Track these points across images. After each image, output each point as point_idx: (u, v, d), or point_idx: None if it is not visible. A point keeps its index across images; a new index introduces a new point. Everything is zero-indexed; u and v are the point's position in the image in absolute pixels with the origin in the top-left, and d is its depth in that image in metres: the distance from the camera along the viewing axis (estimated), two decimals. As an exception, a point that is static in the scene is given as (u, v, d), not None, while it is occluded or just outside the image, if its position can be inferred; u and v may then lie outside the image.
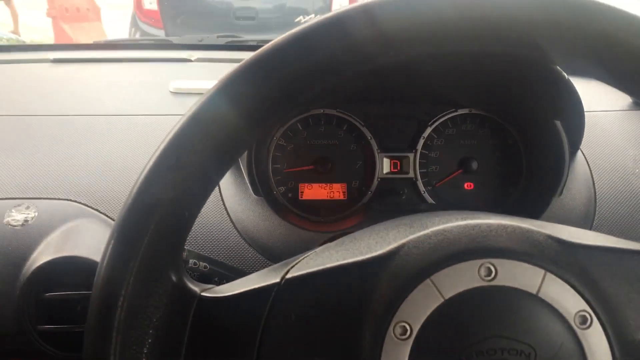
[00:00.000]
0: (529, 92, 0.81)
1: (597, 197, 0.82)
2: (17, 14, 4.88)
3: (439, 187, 0.92)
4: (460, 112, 0.91)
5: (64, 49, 1.27)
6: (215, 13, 4.41)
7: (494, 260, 0.42)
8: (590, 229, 0.79)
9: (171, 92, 0.98)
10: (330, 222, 0.89)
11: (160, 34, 4.27)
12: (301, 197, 0.91)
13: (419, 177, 0.91)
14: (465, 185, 0.92)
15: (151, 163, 0.41)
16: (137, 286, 0.41)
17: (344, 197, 0.91)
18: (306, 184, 0.91)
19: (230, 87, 0.41)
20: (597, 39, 0.39)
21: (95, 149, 0.83)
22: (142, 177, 0.41)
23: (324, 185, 0.91)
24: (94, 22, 6.18)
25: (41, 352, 0.68)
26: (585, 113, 0.82)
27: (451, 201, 0.91)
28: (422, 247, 0.43)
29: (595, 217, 0.80)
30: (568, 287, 0.41)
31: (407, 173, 0.91)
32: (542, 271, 0.41)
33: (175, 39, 1.34)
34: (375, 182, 0.90)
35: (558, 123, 0.81)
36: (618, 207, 0.81)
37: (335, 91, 0.86)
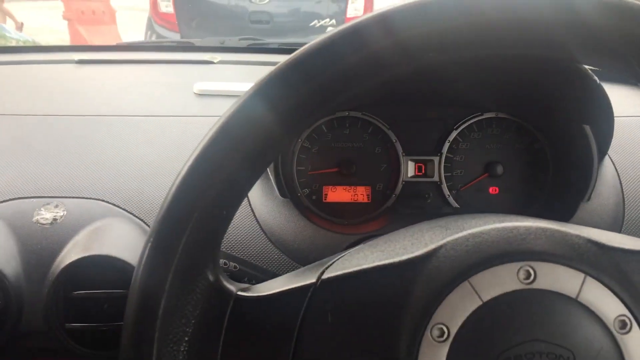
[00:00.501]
0: (558, 97, 0.81)
1: (626, 202, 0.81)
2: (9, 10, 4.90)
3: (464, 191, 0.91)
4: (486, 115, 0.90)
5: (87, 50, 1.28)
6: (231, 17, 4.44)
7: (533, 263, 0.41)
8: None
9: (195, 93, 0.99)
10: (354, 225, 0.89)
11: (176, 37, 4.31)
12: (325, 199, 0.91)
13: (443, 180, 0.90)
14: (490, 189, 0.91)
15: (188, 166, 0.41)
16: (176, 286, 0.41)
17: (368, 200, 0.91)
18: (330, 187, 0.91)
19: (266, 90, 0.41)
20: (627, 37, 0.39)
21: (123, 149, 0.84)
22: (180, 179, 0.41)
23: (348, 187, 0.91)
24: (110, 24, 6.24)
25: (69, 350, 0.68)
26: (617, 118, 0.81)
27: (476, 205, 0.91)
28: (460, 249, 0.43)
29: (624, 223, 0.80)
30: (608, 291, 0.41)
31: (432, 177, 0.90)
32: (582, 275, 0.41)
33: (196, 41, 1.35)
34: (400, 185, 0.90)
35: (587, 128, 0.80)
36: None
37: (364, 95, 0.86)
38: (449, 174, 0.91)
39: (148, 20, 4.50)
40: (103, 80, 1.07)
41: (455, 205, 0.90)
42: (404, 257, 0.44)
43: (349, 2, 4.53)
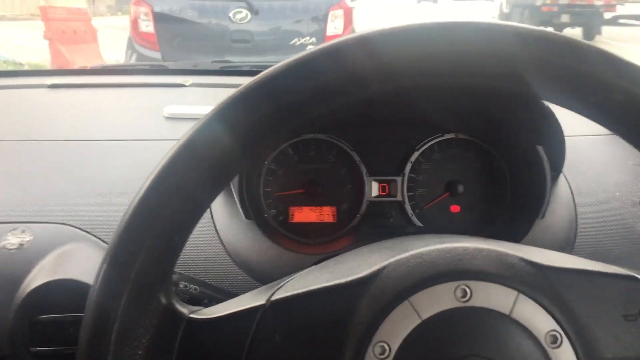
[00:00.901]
0: (511, 119, 0.84)
1: (579, 219, 0.84)
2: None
3: (427, 210, 0.94)
4: (446, 136, 0.93)
5: (60, 74, 1.29)
6: (212, 36, 4.46)
7: (469, 282, 0.44)
8: (571, 250, 0.81)
9: (165, 117, 1.01)
10: (320, 245, 0.90)
11: (156, 56, 4.31)
12: (291, 220, 0.93)
13: (406, 200, 0.93)
14: (452, 208, 0.94)
15: (144, 189, 0.43)
16: (128, 309, 0.42)
17: (334, 219, 0.93)
18: (297, 207, 0.93)
19: (225, 113, 0.42)
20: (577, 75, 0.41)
21: (91, 174, 0.85)
22: (135, 203, 0.43)
23: (314, 208, 0.93)
24: (91, 44, 6.25)
25: None
26: (567, 137, 0.84)
27: (438, 224, 0.93)
28: (401, 269, 0.45)
29: (577, 239, 0.82)
30: (539, 307, 0.43)
31: (395, 196, 0.93)
32: (515, 292, 0.44)
33: (170, 64, 1.37)
34: (364, 205, 0.92)
35: (540, 148, 0.83)
36: (599, 229, 0.83)
37: (326, 117, 0.88)
38: (412, 193, 0.94)
39: (128, 39, 4.51)
40: (74, 104, 1.08)
41: (419, 224, 0.93)
42: (350, 278, 0.46)
43: (329, 20, 4.57)
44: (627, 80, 0.42)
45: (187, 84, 1.19)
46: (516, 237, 0.83)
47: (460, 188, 0.92)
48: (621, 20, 13.07)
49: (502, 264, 0.45)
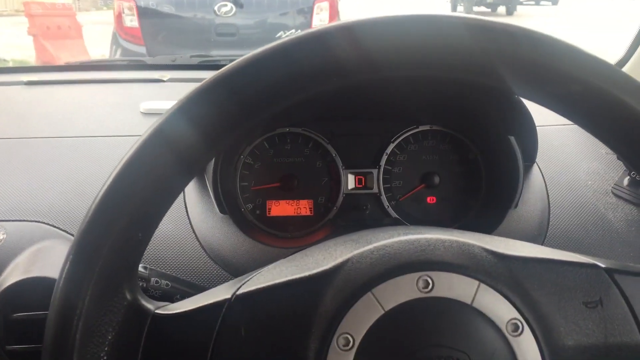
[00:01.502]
0: (483, 110, 0.85)
1: (552, 208, 0.85)
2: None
3: (403, 201, 0.94)
4: (421, 128, 0.94)
5: (37, 71, 1.29)
6: (197, 30, 4.43)
7: (431, 273, 0.44)
8: (544, 239, 0.82)
9: (142, 112, 1.01)
10: (297, 238, 0.91)
11: (141, 51, 4.28)
12: (269, 213, 0.93)
13: (382, 192, 0.93)
14: (428, 199, 0.95)
15: (106, 186, 0.43)
16: (92, 305, 0.43)
17: (311, 213, 0.94)
18: (273, 201, 0.93)
19: (189, 106, 0.42)
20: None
21: (65, 171, 0.85)
22: (98, 199, 0.43)
23: (290, 201, 0.94)
24: (76, 39, 6.19)
25: None
26: (541, 127, 0.85)
27: (414, 215, 0.94)
28: (365, 262, 0.46)
29: (549, 228, 0.83)
30: (500, 296, 0.44)
31: (372, 188, 0.93)
32: (476, 282, 0.44)
33: (148, 60, 1.37)
34: (341, 197, 0.93)
35: (512, 138, 0.84)
36: (570, 218, 0.84)
37: (300, 110, 0.88)
38: (388, 185, 0.94)
39: (113, 34, 4.47)
40: (51, 101, 1.08)
41: (395, 215, 0.93)
42: (313, 271, 0.46)
43: (314, 13, 4.56)
44: (584, 70, 0.43)
45: (164, 79, 1.19)
46: (490, 227, 0.84)
47: (436, 179, 0.93)
48: (525, 2, 17.88)
49: (464, 254, 0.45)
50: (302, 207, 0.94)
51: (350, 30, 0.42)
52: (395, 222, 0.92)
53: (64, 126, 0.96)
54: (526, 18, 14.70)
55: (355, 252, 0.47)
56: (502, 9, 15.56)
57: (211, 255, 0.78)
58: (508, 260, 0.46)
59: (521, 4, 17.09)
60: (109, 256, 0.42)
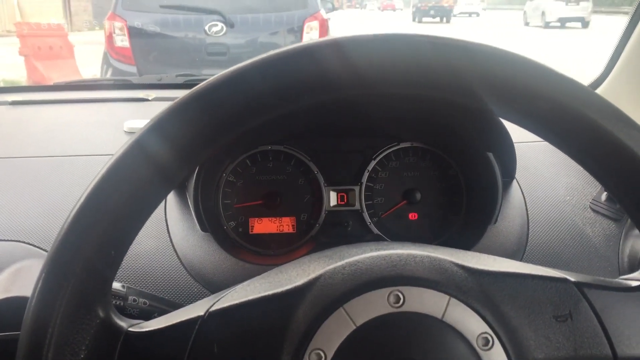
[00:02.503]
0: (462, 127, 0.86)
1: (530, 223, 0.86)
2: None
3: (385, 218, 0.95)
4: (402, 145, 0.95)
5: (23, 91, 1.29)
6: (187, 49, 4.45)
7: (402, 288, 0.45)
8: (523, 254, 0.83)
9: (125, 131, 1.01)
10: (279, 255, 0.91)
11: (132, 70, 4.30)
12: (251, 231, 0.93)
13: (364, 208, 0.94)
14: (410, 215, 0.95)
15: (78, 204, 0.43)
16: (65, 323, 0.43)
17: (293, 230, 0.94)
18: (256, 219, 0.94)
19: (161, 124, 0.43)
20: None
21: (47, 190, 0.85)
22: (70, 217, 0.43)
23: (273, 219, 0.94)
24: (68, 59, 6.21)
25: None
26: (521, 144, 0.86)
27: (397, 232, 0.94)
28: (337, 277, 0.46)
29: (528, 243, 0.84)
30: (471, 311, 0.44)
31: (354, 205, 0.94)
32: (447, 297, 0.44)
33: (134, 79, 1.38)
34: (323, 214, 0.93)
35: (490, 155, 0.85)
36: (549, 233, 0.85)
37: (282, 127, 0.89)
38: (370, 202, 0.95)
39: (104, 54, 4.49)
40: (35, 121, 1.08)
41: (377, 232, 0.94)
42: (287, 288, 0.46)
43: (304, 32, 4.60)
44: (550, 88, 0.44)
45: (150, 98, 1.20)
46: (470, 242, 0.84)
47: (418, 196, 0.94)
48: (457, 14, 26.09)
49: (435, 269, 0.46)
50: (284, 225, 0.94)
51: (324, 49, 0.43)
52: (377, 239, 0.93)
53: (47, 145, 0.96)
54: (459, 26, 21.11)
55: (328, 268, 0.47)
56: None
57: (192, 273, 0.78)
58: (479, 275, 0.46)
59: (455, 15, 25.30)
60: (81, 274, 0.42)
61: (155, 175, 0.43)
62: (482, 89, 0.44)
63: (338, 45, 0.43)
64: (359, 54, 0.43)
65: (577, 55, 9.80)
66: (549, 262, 0.81)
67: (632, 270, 0.79)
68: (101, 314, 0.45)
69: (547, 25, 18.20)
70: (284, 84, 0.43)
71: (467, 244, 0.84)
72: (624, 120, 0.45)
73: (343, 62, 0.43)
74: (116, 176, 0.43)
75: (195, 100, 0.43)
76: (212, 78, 0.43)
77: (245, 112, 0.43)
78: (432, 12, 22.88)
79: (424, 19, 23.25)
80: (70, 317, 0.43)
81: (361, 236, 0.94)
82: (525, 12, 20.17)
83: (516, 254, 0.83)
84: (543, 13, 18.27)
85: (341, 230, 0.94)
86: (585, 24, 18.03)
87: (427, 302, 0.44)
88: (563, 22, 18.33)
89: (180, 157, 0.43)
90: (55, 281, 0.42)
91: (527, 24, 19.79)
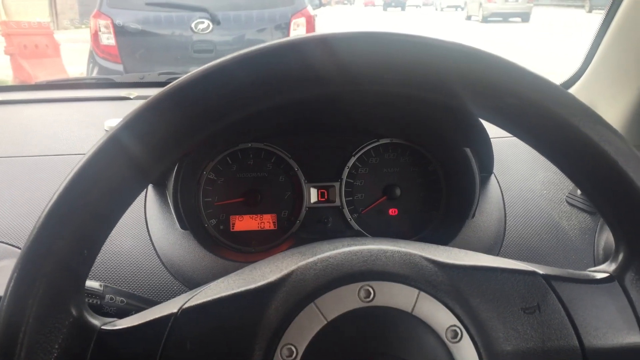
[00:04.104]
0: (439, 123, 0.87)
1: (508, 218, 0.87)
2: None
3: (365, 214, 0.96)
4: (382, 141, 0.95)
5: (3, 91, 1.29)
6: (174, 47, 4.43)
7: (372, 283, 0.45)
8: (500, 248, 0.84)
9: (106, 130, 1.01)
10: (260, 252, 0.92)
11: (119, 68, 4.27)
12: (233, 228, 0.94)
13: (344, 205, 0.94)
14: (390, 211, 0.96)
15: (50, 203, 0.43)
16: (37, 322, 0.43)
17: (274, 227, 0.95)
18: (237, 216, 0.94)
19: (134, 123, 0.43)
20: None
21: (26, 190, 0.85)
22: (42, 217, 0.43)
23: (254, 216, 0.94)
24: (54, 58, 6.16)
25: None
26: (499, 139, 0.87)
27: (377, 227, 0.95)
28: (308, 273, 0.46)
29: (505, 237, 0.85)
30: (440, 304, 0.45)
31: (334, 202, 0.94)
32: (416, 291, 0.45)
33: (116, 77, 1.37)
34: (304, 211, 0.94)
35: (467, 150, 0.86)
36: (526, 226, 0.86)
37: (262, 125, 0.90)
38: (350, 198, 0.95)
39: (90, 53, 4.46)
40: (14, 120, 1.08)
41: (357, 228, 0.94)
42: (259, 284, 0.47)
43: (291, 29, 4.59)
44: (518, 84, 0.45)
45: (131, 96, 1.20)
46: (449, 237, 0.85)
47: (398, 191, 0.95)
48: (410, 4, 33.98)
49: (405, 263, 0.47)
50: (265, 222, 0.95)
51: (301, 46, 0.43)
52: (357, 235, 0.94)
53: (27, 145, 0.96)
54: (410, 14, 26.27)
55: (300, 264, 0.47)
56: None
57: (171, 271, 0.79)
58: (448, 269, 0.47)
59: (409, 6, 34.09)
60: (53, 273, 0.43)
61: (129, 172, 0.44)
62: (456, 86, 0.44)
63: (320, 42, 0.44)
64: (323, 52, 0.43)
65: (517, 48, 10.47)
66: (525, 256, 0.82)
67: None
68: (74, 312, 0.45)
69: (485, 20, 19.22)
70: (256, 81, 0.43)
71: (446, 239, 0.85)
72: (590, 116, 0.46)
73: (322, 59, 0.44)
74: (89, 174, 0.43)
75: (169, 96, 0.43)
76: (187, 75, 0.43)
77: (219, 108, 0.43)
78: (393, 3, 33.14)
79: (388, 9, 32.70)
80: (42, 316, 0.43)
81: (342, 232, 0.94)
82: (467, 5, 21.95)
83: (493, 247, 0.84)
84: (480, 5, 19.37)
85: (322, 227, 0.94)
86: (526, 17, 18.95)
87: (397, 296, 0.45)
88: (504, 16, 19.32)
89: (154, 154, 0.44)
90: (27, 280, 0.42)
91: (468, 17, 21.01)
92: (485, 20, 19.15)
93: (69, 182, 0.43)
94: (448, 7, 30.91)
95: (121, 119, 0.44)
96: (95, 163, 0.43)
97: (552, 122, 0.45)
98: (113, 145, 0.43)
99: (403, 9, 33.11)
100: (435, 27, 17.36)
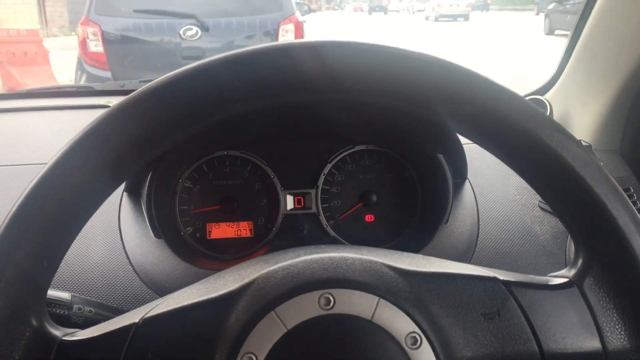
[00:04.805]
0: (414, 130, 0.87)
1: (481, 223, 0.87)
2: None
3: (341, 220, 0.96)
4: (357, 148, 0.96)
5: (-18, 100, 1.28)
6: (162, 54, 4.43)
7: (332, 291, 0.45)
8: (473, 253, 0.84)
9: None
10: (236, 260, 0.92)
11: (107, 75, 4.27)
12: (209, 236, 0.94)
13: (321, 211, 0.95)
14: (367, 217, 0.96)
15: (10, 213, 0.43)
16: None
17: (251, 234, 0.95)
18: (214, 224, 0.94)
19: (95, 132, 0.43)
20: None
21: (2, 200, 0.85)
22: (2, 227, 0.43)
23: (231, 224, 0.94)
24: (43, 65, 6.15)
25: None
26: (473, 145, 0.88)
27: (353, 234, 0.95)
28: (270, 282, 0.47)
29: (479, 242, 0.86)
30: (399, 311, 0.45)
31: (310, 208, 0.95)
32: (376, 298, 0.45)
33: (97, 86, 1.37)
34: (280, 218, 0.94)
35: (440, 157, 0.86)
36: (499, 231, 0.87)
37: (238, 133, 0.90)
38: (327, 205, 0.96)
39: (78, 60, 4.45)
40: None
41: (334, 234, 0.95)
42: (220, 293, 0.47)
43: (280, 35, 4.60)
44: (473, 91, 0.45)
45: (111, 104, 1.19)
46: (424, 242, 0.86)
47: (374, 198, 0.95)
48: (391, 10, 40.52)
49: (365, 271, 0.47)
50: (242, 229, 0.95)
51: (275, 53, 0.44)
52: (333, 241, 0.94)
53: (4, 154, 0.95)
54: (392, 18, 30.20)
55: (262, 272, 0.48)
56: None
57: (145, 280, 0.78)
58: (409, 276, 0.47)
59: (390, 11, 40.62)
60: (13, 283, 0.43)
61: (89, 183, 0.44)
62: (425, 95, 0.45)
63: (294, 49, 0.44)
64: (298, 61, 0.44)
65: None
66: (498, 260, 0.83)
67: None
68: (34, 322, 0.45)
69: (437, 19, 27.02)
70: (217, 90, 0.44)
71: (421, 244, 0.85)
72: (548, 122, 0.46)
73: (294, 67, 0.44)
74: (48, 184, 0.43)
75: (134, 103, 0.44)
76: (151, 82, 0.44)
77: (182, 118, 0.44)
78: (377, 8, 40.20)
79: (373, 13, 39.11)
80: (2, 327, 0.43)
81: (318, 239, 0.95)
82: (426, 9, 30.51)
83: (467, 252, 0.84)
84: (433, 9, 27.68)
85: (298, 234, 0.95)
86: (467, 17, 26.74)
87: (357, 303, 0.45)
88: (451, 17, 26.98)
89: (113, 164, 0.44)
90: None
91: (427, 18, 28.84)
92: (437, 19, 26.98)
93: (29, 191, 0.43)
94: (418, 11, 38.92)
95: (81, 129, 0.44)
96: (55, 173, 0.43)
97: (509, 130, 0.46)
98: (74, 154, 0.43)
99: (385, 13, 40.55)
100: (405, 25, 23.76)
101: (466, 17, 26.65)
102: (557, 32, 12.31)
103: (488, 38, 15.22)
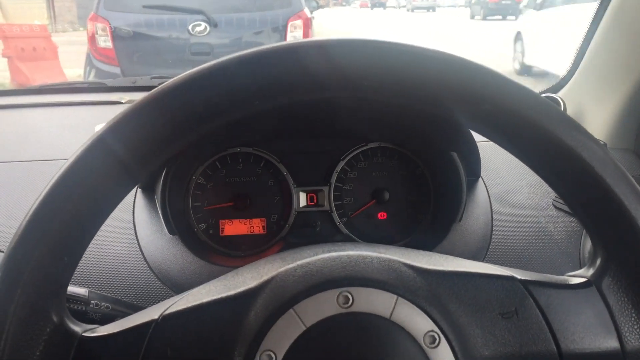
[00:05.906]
0: (427, 128, 0.87)
1: (495, 221, 0.87)
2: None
3: (354, 218, 0.96)
4: (370, 145, 0.96)
5: (-4, 96, 1.29)
6: (171, 49, 4.43)
7: (351, 289, 0.45)
8: (486, 252, 0.84)
9: None
10: (249, 257, 0.92)
11: (116, 71, 4.27)
12: (222, 233, 0.94)
13: (334, 209, 0.95)
14: (379, 215, 0.96)
15: (31, 211, 0.44)
16: (18, 329, 0.43)
17: (264, 231, 0.95)
18: (227, 220, 0.94)
19: (118, 128, 0.44)
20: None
21: (13, 196, 0.85)
22: (23, 224, 0.44)
23: (244, 220, 0.95)
24: (52, 60, 6.17)
25: None
26: (486, 143, 0.88)
27: (366, 231, 0.95)
28: (288, 279, 0.47)
29: (492, 240, 0.85)
30: (418, 310, 0.45)
31: (323, 206, 0.95)
32: (395, 296, 0.45)
33: (109, 82, 1.37)
34: (293, 215, 0.94)
35: (454, 154, 0.86)
36: (512, 230, 0.86)
37: (251, 130, 0.90)
38: (339, 202, 0.96)
39: (87, 56, 4.46)
40: (4, 126, 1.08)
41: (346, 232, 0.95)
42: (239, 290, 0.47)
43: (288, 31, 4.60)
44: (492, 90, 0.45)
45: (123, 101, 1.20)
46: (436, 240, 0.86)
47: (386, 195, 0.95)
48: (389, 6, 41.79)
49: (384, 269, 0.47)
50: (255, 226, 0.95)
51: (289, 53, 0.44)
52: (346, 239, 0.94)
53: (16, 151, 0.96)
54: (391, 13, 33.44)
55: (280, 270, 0.48)
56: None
57: (159, 276, 0.79)
58: (427, 275, 0.47)
59: (388, 7, 42.16)
60: (33, 280, 0.43)
61: (111, 178, 0.44)
62: (440, 94, 0.45)
63: (308, 48, 0.44)
64: (311, 60, 0.44)
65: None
66: (511, 259, 0.83)
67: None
68: (55, 319, 0.45)
69: (412, 10, 32.44)
70: (240, 87, 0.44)
71: (433, 242, 0.85)
72: (567, 122, 0.46)
73: (299, 67, 0.44)
74: (70, 180, 0.43)
75: (154, 101, 0.44)
76: (173, 79, 0.44)
77: (204, 114, 0.44)
78: (377, 4, 42.47)
79: (374, 8, 41.05)
80: (23, 323, 0.43)
81: (331, 236, 0.95)
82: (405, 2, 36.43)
83: (480, 251, 0.84)
84: (409, 2, 33.45)
85: (310, 231, 0.95)
86: (433, 9, 31.82)
87: (376, 302, 0.45)
88: (424, 8, 32.27)
89: (136, 159, 0.44)
90: (6, 287, 0.43)
91: (408, 10, 33.17)
92: (412, 10, 32.54)
93: (50, 188, 0.44)
94: (402, 6, 43.17)
95: (105, 123, 0.44)
96: (76, 169, 0.43)
97: (527, 128, 0.46)
98: (95, 150, 0.44)
99: (384, 8, 43.09)
100: (392, 17, 26.63)
101: (433, 9, 32.54)
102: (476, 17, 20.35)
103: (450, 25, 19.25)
